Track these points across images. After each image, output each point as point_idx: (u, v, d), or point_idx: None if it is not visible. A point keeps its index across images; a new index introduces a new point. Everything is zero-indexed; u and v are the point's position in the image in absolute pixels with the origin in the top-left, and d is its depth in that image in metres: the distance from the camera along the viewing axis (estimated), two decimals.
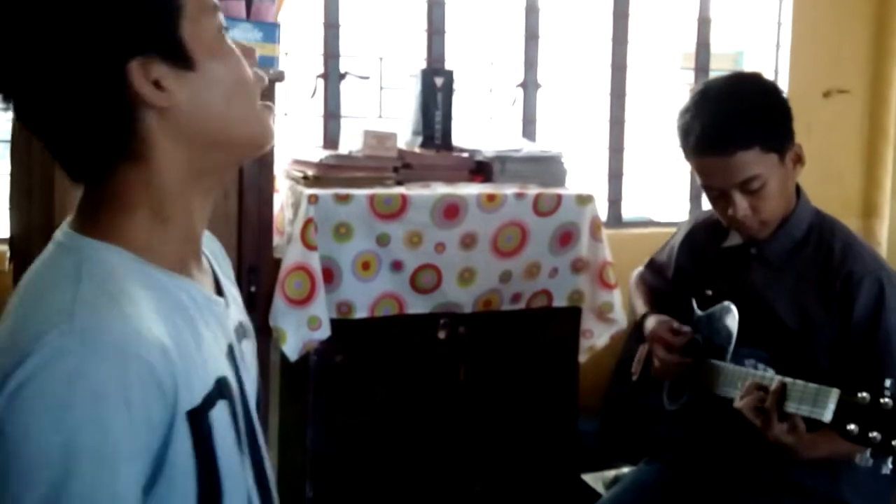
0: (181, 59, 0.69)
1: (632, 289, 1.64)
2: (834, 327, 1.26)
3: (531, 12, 2.66)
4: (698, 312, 1.40)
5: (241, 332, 0.82)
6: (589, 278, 2.07)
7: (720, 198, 1.29)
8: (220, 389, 0.73)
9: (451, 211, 1.93)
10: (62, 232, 0.72)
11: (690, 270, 1.47)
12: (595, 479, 1.86)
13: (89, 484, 0.61)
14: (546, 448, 2.11)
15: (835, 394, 1.09)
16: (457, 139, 2.24)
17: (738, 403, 1.17)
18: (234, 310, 0.82)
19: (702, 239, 1.47)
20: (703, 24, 2.86)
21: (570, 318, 2.09)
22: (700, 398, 1.34)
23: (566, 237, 2.03)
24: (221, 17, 0.73)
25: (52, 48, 0.66)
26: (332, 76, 2.46)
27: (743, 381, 1.22)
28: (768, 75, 2.90)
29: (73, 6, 0.65)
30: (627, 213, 2.90)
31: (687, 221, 1.58)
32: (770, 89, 1.32)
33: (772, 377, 1.18)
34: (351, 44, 2.50)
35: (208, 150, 0.73)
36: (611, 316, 2.06)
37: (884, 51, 2.95)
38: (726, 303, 1.32)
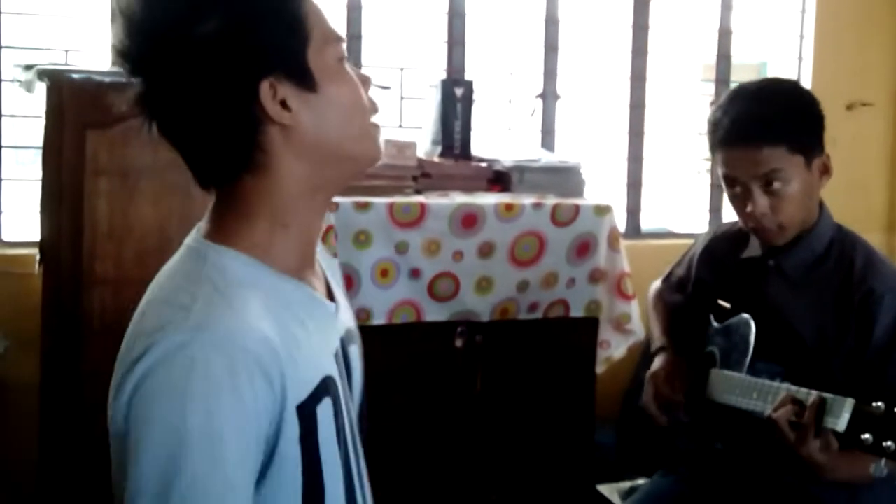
0: (306, 81, 0.77)
1: (649, 306, 1.63)
2: (851, 344, 1.25)
3: (551, 23, 2.68)
4: (715, 324, 1.39)
5: (348, 337, 0.89)
6: (606, 289, 2.07)
7: (741, 194, 1.28)
8: (327, 386, 0.78)
9: (469, 220, 1.95)
10: (192, 237, 0.81)
11: (709, 282, 1.46)
12: (610, 491, 1.85)
13: (200, 463, 0.68)
14: (562, 459, 2.10)
15: (849, 403, 1.08)
16: (476, 149, 2.26)
17: (772, 414, 1.15)
18: (344, 315, 0.89)
19: (721, 250, 1.46)
20: (724, 35, 2.86)
21: (587, 329, 2.09)
22: (716, 410, 1.33)
23: (584, 247, 2.03)
24: (343, 47, 0.81)
25: (199, 65, 0.74)
26: None
27: (759, 392, 1.21)
28: None
29: (220, 32, 0.74)
30: (646, 224, 2.89)
31: (706, 232, 1.57)
32: (805, 94, 1.31)
33: (787, 388, 1.17)
34: (373, 54, 2.53)
35: (325, 166, 0.80)
36: (628, 327, 2.06)
37: None
38: (744, 315, 1.31)
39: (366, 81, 0.83)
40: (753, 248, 1.38)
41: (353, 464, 0.83)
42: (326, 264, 0.92)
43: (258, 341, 0.71)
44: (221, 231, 0.78)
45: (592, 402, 2.12)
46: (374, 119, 0.83)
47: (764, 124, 1.24)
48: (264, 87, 0.75)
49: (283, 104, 0.76)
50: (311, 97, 0.77)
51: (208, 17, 0.73)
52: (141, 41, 0.76)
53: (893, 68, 2.94)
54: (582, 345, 2.09)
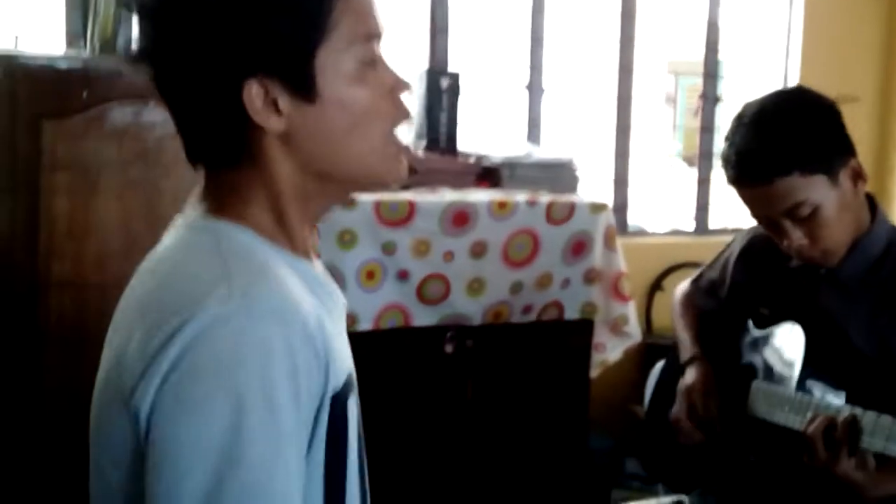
0: (303, 89, 0.67)
1: (676, 311, 1.53)
2: None
3: (537, 13, 2.58)
4: (755, 333, 1.30)
5: None
6: (602, 290, 1.99)
7: (771, 227, 1.20)
8: (352, 382, 0.71)
9: (460, 218, 1.84)
10: (189, 217, 0.71)
11: (747, 287, 1.36)
12: None
13: (262, 440, 0.59)
14: (556, 466, 2.02)
15: (885, 420, 1.01)
16: (461, 143, 2.16)
17: (806, 431, 1.08)
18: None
19: (761, 253, 1.36)
20: (713, 27, 2.80)
21: (581, 332, 2.01)
22: (758, 426, 1.24)
23: (579, 247, 1.95)
24: (377, 47, 0.70)
25: (196, 38, 0.66)
26: None
27: (812, 410, 1.13)
28: (777, 82, 2.87)
29: (211, 20, 0.65)
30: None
31: (744, 233, 1.46)
32: (809, 105, 1.20)
33: (839, 407, 1.09)
34: None
35: (322, 180, 0.70)
36: (625, 329, 1.98)
37: (894, 58, 2.91)
38: (790, 324, 1.22)
39: (399, 86, 0.71)
40: None
41: (362, 474, 0.75)
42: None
43: (309, 317, 0.64)
44: (225, 210, 0.69)
45: (586, 408, 2.04)
46: (398, 132, 0.72)
47: (767, 158, 1.14)
48: (251, 87, 0.65)
49: (276, 105, 0.66)
50: (308, 107, 0.67)
51: None
52: None
53: (880, 63, 2.92)
54: (576, 348, 2.01)
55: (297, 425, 0.62)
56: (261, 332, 0.60)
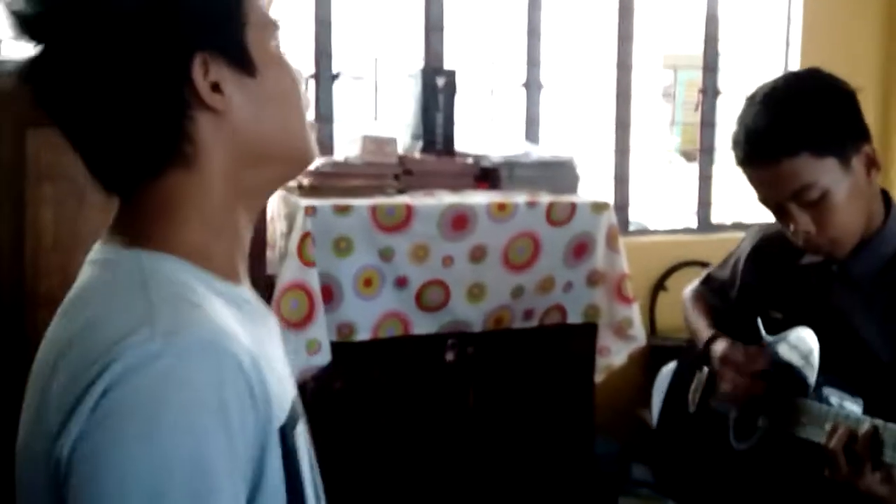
0: (244, 63, 0.65)
1: (687, 306, 1.47)
2: None
3: (533, 8, 2.53)
4: (767, 338, 1.25)
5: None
6: (605, 292, 1.94)
7: (779, 212, 1.15)
8: (298, 409, 0.68)
9: (459, 221, 1.79)
10: (101, 251, 0.65)
11: (758, 288, 1.31)
12: None
13: (185, 502, 0.54)
14: (562, 472, 1.97)
15: None
16: (458, 143, 2.10)
17: (829, 444, 1.04)
18: None
19: (772, 253, 1.30)
20: (711, 20, 2.75)
21: (585, 335, 1.96)
22: (776, 438, 1.19)
23: (581, 248, 1.90)
24: (280, 35, 0.70)
25: (118, 31, 0.60)
26: (323, 77, 2.31)
27: (831, 421, 1.07)
28: (776, 73, 2.83)
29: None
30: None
31: (752, 233, 1.41)
32: (824, 87, 1.15)
33: (859, 418, 1.04)
34: (343, 42, 2.35)
35: (258, 164, 0.67)
36: (630, 332, 1.93)
37: (895, 49, 2.87)
38: (803, 328, 1.17)
39: (301, 76, 0.72)
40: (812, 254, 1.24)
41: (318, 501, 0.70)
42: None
43: (241, 349, 0.59)
44: (147, 238, 0.64)
45: (592, 413, 1.99)
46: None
47: (776, 134, 1.09)
48: (196, 64, 0.62)
49: (216, 87, 0.63)
50: (248, 82, 0.65)
51: None
52: None
53: (881, 53, 2.88)
54: (580, 353, 1.96)
55: (232, 470, 0.56)
56: (186, 372, 0.55)
